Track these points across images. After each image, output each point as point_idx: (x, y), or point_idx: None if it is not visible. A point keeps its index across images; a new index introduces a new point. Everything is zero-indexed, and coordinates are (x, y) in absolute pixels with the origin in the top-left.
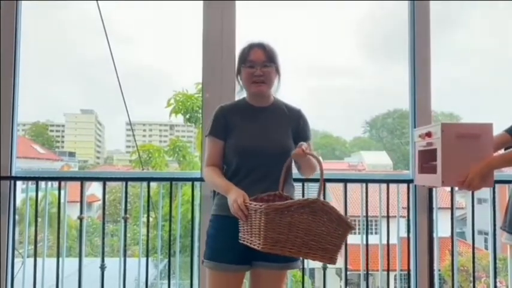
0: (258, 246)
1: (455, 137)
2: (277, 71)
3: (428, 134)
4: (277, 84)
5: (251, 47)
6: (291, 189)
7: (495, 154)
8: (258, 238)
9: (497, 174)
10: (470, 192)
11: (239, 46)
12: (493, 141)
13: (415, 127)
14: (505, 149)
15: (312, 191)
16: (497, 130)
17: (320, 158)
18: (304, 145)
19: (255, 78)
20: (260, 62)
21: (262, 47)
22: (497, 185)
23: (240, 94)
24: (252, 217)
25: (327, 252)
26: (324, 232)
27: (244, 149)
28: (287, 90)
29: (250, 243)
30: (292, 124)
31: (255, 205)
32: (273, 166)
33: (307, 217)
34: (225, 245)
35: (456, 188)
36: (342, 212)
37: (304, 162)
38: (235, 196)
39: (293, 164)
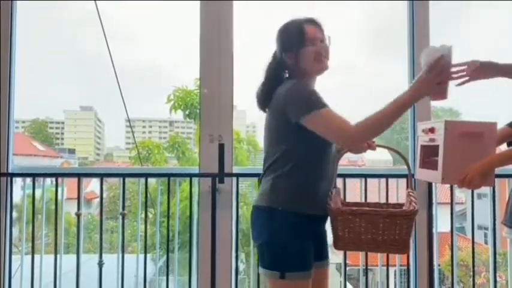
0: (395, 252)
1: (458, 135)
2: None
3: (432, 130)
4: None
5: (305, 25)
6: None
7: (496, 151)
8: (392, 242)
9: (497, 168)
10: None
11: (237, 41)
12: (496, 139)
13: (414, 122)
14: (507, 144)
15: None
16: (499, 125)
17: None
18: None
19: (321, 56)
20: (319, 38)
21: (314, 22)
22: (497, 180)
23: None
24: (378, 222)
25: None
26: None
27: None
28: None
29: (374, 250)
30: None
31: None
32: (334, 159)
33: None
34: (310, 250)
35: (457, 187)
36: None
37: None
38: (423, 81)
39: None
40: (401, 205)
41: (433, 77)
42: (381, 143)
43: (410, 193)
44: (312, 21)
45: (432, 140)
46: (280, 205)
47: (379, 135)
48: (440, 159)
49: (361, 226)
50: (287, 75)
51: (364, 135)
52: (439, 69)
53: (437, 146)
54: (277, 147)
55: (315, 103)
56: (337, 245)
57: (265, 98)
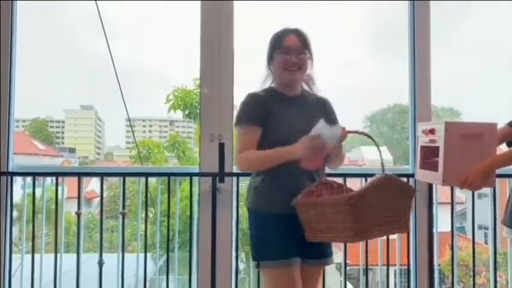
0: (349, 239)
1: (458, 136)
2: (311, 59)
3: (432, 131)
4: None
5: (286, 33)
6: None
7: (497, 151)
8: (343, 232)
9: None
10: None
11: (237, 41)
12: (496, 140)
13: (415, 122)
14: (507, 144)
15: None
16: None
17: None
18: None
19: (290, 66)
20: (296, 49)
21: (297, 32)
22: (497, 180)
23: (265, 82)
24: (326, 212)
25: (402, 223)
26: (394, 204)
27: (287, 139)
28: None
29: (331, 239)
30: (323, 113)
31: (328, 198)
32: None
33: (381, 196)
34: (285, 241)
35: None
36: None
37: (337, 149)
38: (302, 142)
39: None
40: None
41: (310, 147)
42: (381, 142)
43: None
44: (296, 32)
45: (432, 141)
46: (251, 204)
47: (254, 171)
48: (440, 160)
49: (320, 215)
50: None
51: (243, 166)
52: (316, 143)
53: (437, 147)
54: None
55: (240, 118)
56: (307, 236)
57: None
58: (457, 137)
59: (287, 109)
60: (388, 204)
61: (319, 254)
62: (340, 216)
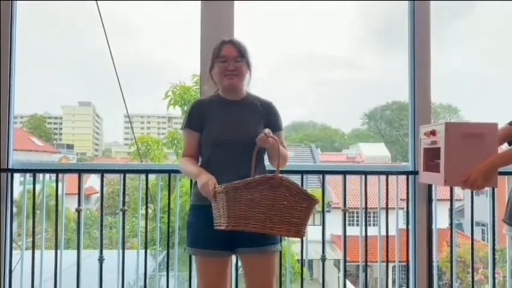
0: (223, 226)
1: (459, 137)
2: (248, 66)
3: (433, 132)
4: (249, 78)
5: (223, 43)
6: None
7: (498, 150)
8: (223, 218)
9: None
10: None
11: (237, 36)
12: (497, 140)
13: (414, 119)
14: (509, 144)
15: (310, 183)
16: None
17: (284, 145)
18: (266, 130)
19: (227, 72)
20: (232, 57)
21: (233, 43)
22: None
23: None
24: (217, 200)
25: (292, 226)
26: (287, 206)
27: (216, 140)
28: (288, 83)
29: (219, 226)
30: (265, 117)
31: (219, 187)
32: (246, 156)
33: (268, 193)
34: (205, 232)
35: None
36: (340, 203)
37: (271, 149)
38: (205, 179)
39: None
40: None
41: (201, 189)
42: (381, 140)
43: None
44: (231, 42)
45: (434, 142)
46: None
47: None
48: (442, 161)
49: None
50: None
51: (181, 170)
52: (205, 192)
53: (439, 149)
54: None
55: (183, 123)
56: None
57: None
58: (457, 137)
59: (224, 113)
60: (276, 204)
61: (254, 242)
62: (220, 204)
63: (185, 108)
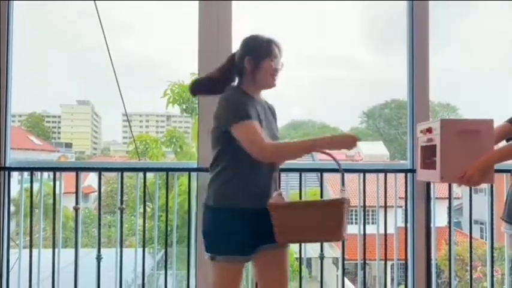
0: (336, 239)
1: (455, 133)
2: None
3: (429, 130)
4: None
5: (273, 43)
6: None
7: (495, 147)
8: (333, 231)
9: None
10: None
11: (235, 35)
12: (494, 137)
13: (412, 117)
14: (506, 141)
15: (309, 181)
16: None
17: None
18: None
19: (275, 72)
20: (279, 59)
21: (279, 46)
22: (495, 175)
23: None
24: (317, 212)
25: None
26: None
27: (272, 139)
28: (287, 82)
29: (318, 240)
30: (274, 118)
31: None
32: None
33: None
34: (241, 237)
35: (456, 185)
36: None
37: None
38: (349, 135)
39: None
40: None
41: (353, 139)
42: (379, 139)
43: (342, 189)
44: (277, 44)
45: (430, 140)
46: (212, 200)
47: (285, 160)
48: (438, 158)
49: (297, 218)
50: (235, 82)
51: (275, 154)
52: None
53: (435, 146)
54: (214, 149)
55: (242, 114)
56: (277, 238)
57: (202, 90)
58: (453, 134)
59: (260, 111)
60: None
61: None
62: (326, 217)
63: (184, 107)
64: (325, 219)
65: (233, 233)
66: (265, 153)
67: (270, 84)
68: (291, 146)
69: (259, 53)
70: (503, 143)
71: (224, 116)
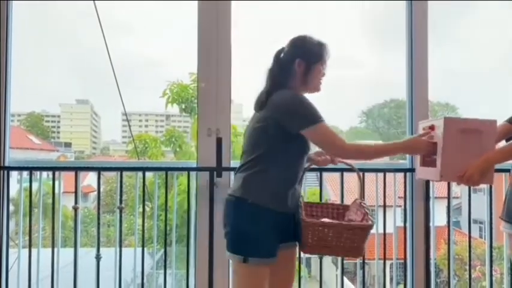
0: (357, 256)
1: (457, 132)
2: None
3: (432, 128)
4: None
5: (324, 47)
6: None
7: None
8: (356, 250)
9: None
10: None
11: (235, 35)
12: (496, 137)
13: (412, 118)
14: (506, 140)
15: (308, 180)
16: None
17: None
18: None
19: (322, 78)
20: (327, 64)
21: (328, 51)
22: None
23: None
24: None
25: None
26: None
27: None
28: None
29: (341, 255)
30: None
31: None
32: None
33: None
34: (275, 239)
35: (455, 184)
36: (338, 201)
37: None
38: (421, 140)
39: None
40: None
41: (426, 145)
42: (379, 138)
43: (363, 204)
44: (327, 48)
45: (430, 137)
46: (250, 197)
47: (365, 160)
48: (438, 156)
49: (327, 235)
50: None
51: (355, 155)
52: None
53: (436, 144)
54: (260, 147)
55: (317, 116)
56: (304, 249)
57: (264, 101)
58: (455, 132)
59: None
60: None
61: (295, 236)
62: (353, 237)
63: (183, 106)
64: (352, 240)
65: (271, 234)
66: (348, 153)
67: (318, 88)
68: (378, 148)
69: (311, 57)
70: (502, 143)
71: (296, 118)
